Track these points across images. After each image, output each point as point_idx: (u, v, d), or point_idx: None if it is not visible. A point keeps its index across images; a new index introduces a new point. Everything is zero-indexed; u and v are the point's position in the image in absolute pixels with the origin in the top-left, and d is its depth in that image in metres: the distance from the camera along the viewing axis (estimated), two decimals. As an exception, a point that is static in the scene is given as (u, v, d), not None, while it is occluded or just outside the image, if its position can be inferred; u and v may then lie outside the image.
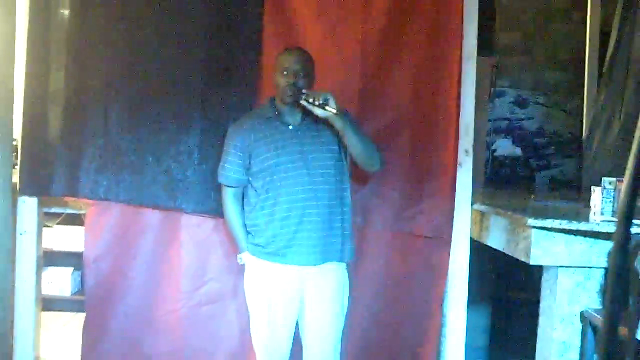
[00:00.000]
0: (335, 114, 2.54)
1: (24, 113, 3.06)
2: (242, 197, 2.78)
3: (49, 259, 4.42)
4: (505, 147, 5.40)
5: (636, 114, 3.49)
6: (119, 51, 3.08)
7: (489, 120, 5.22)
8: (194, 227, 3.12)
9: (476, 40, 3.05)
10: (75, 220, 4.45)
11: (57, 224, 4.66)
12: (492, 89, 5.24)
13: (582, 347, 2.77)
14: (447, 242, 3.05)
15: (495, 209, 3.06)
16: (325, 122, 2.64)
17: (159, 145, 3.06)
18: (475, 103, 3.06)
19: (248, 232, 2.73)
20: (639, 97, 3.73)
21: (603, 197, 2.70)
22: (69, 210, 3.49)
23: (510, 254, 2.94)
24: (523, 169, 5.39)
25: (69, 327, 4.33)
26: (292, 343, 2.76)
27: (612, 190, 2.70)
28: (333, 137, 2.69)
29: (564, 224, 2.60)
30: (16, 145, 3.19)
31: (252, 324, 2.76)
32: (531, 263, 2.73)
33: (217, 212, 2.98)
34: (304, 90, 2.58)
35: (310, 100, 2.54)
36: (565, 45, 5.36)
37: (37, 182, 3.08)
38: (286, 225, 2.63)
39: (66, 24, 3.06)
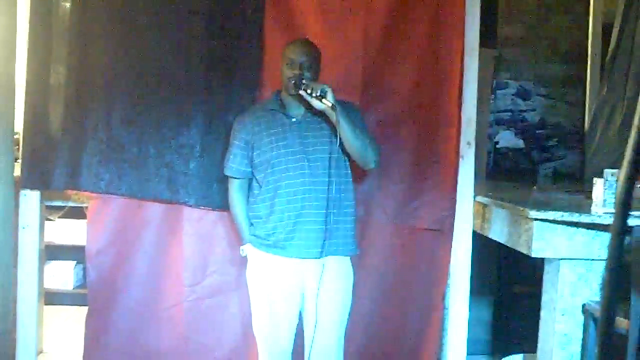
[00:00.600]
0: (331, 107, 2.51)
1: (25, 106, 3.06)
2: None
3: (51, 252, 4.43)
4: (507, 139, 5.39)
5: (639, 106, 3.47)
6: (121, 44, 3.07)
7: (491, 112, 5.21)
8: (196, 220, 3.12)
9: (478, 32, 3.04)
10: (77, 213, 4.45)
11: (59, 217, 4.66)
12: (494, 80, 5.23)
13: (584, 339, 2.77)
14: (449, 235, 3.05)
15: (498, 201, 3.06)
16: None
17: (161, 138, 3.05)
18: (478, 95, 3.06)
19: (250, 224, 2.73)
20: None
21: (605, 189, 2.69)
22: (71, 204, 3.49)
23: (512, 247, 2.93)
24: (525, 161, 5.38)
25: (72, 320, 4.34)
26: (295, 336, 2.76)
27: (614, 182, 2.69)
28: (335, 129, 2.68)
29: (566, 216, 2.59)
30: (18, 139, 3.18)
31: (254, 316, 2.76)
32: (533, 255, 2.72)
33: (219, 205, 2.98)
34: (304, 81, 2.57)
35: (309, 91, 2.53)
36: (568, 37, 5.35)
37: (39, 175, 3.08)
38: (286, 218, 2.62)
39: (68, 17, 3.06)
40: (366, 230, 3.08)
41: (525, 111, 5.40)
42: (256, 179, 2.71)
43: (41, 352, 3.36)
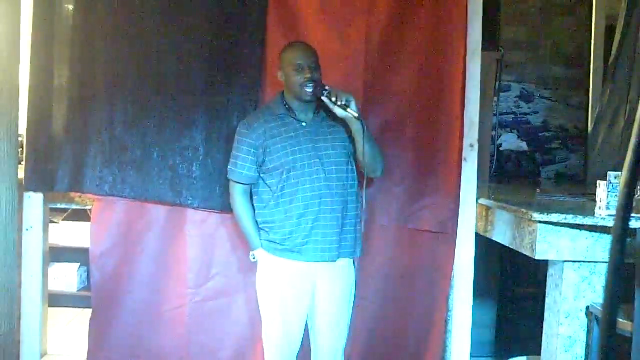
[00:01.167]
0: (357, 117, 2.56)
1: (29, 109, 3.07)
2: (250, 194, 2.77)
3: (55, 254, 4.42)
4: (510, 141, 5.39)
5: (641, 108, 3.47)
6: (124, 46, 3.08)
7: (494, 115, 5.20)
8: (199, 223, 3.13)
9: (481, 35, 3.04)
10: (81, 215, 4.46)
11: (63, 219, 4.67)
12: (497, 83, 5.22)
13: (587, 341, 2.77)
14: (452, 237, 3.05)
15: (501, 204, 3.05)
16: (335, 119, 2.64)
17: (164, 141, 3.06)
18: (480, 97, 3.06)
19: (260, 229, 2.70)
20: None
21: (608, 192, 2.69)
22: (74, 206, 3.49)
23: (515, 249, 2.93)
24: (528, 163, 5.38)
25: (75, 322, 4.35)
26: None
27: (617, 185, 2.69)
28: (344, 134, 2.69)
29: (569, 219, 2.59)
30: (22, 141, 3.19)
31: (264, 321, 2.73)
32: (536, 258, 2.72)
33: (223, 207, 2.98)
34: (326, 87, 2.58)
35: (333, 99, 2.54)
36: (571, 39, 5.35)
37: (43, 177, 3.09)
38: (303, 222, 2.61)
39: (71, 18, 3.07)
40: (369, 232, 3.07)
41: (528, 113, 5.40)
42: (266, 184, 2.68)
43: (45, 353, 3.36)
